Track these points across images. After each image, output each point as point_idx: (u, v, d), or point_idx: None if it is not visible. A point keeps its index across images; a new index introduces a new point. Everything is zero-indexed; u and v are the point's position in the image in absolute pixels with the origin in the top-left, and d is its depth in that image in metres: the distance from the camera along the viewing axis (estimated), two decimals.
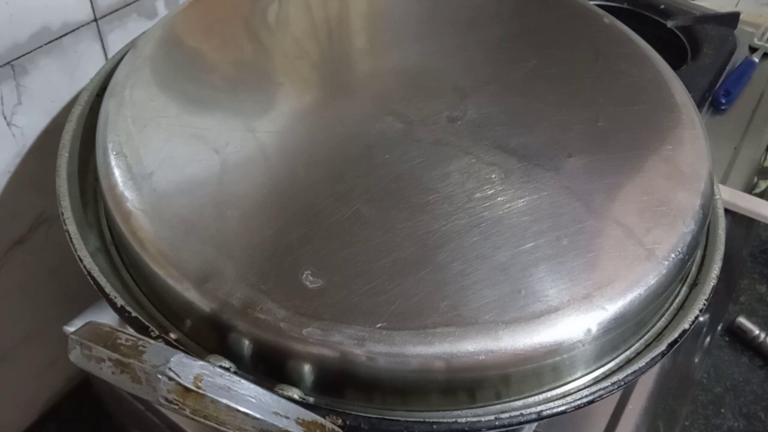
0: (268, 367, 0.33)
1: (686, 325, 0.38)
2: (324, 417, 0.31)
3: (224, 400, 0.27)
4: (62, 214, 0.40)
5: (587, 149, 0.42)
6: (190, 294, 0.33)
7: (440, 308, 0.33)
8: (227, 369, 0.29)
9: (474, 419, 0.33)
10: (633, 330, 0.37)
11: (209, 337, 0.34)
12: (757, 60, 0.80)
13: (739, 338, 0.93)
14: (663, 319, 0.40)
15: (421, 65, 0.48)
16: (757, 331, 0.92)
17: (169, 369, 0.26)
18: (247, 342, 0.33)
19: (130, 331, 0.29)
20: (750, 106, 0.76)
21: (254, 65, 0.47)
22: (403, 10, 0.54)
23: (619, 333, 0.36)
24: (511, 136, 0.42)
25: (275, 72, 0.46)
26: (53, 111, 0.54)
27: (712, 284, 0.41)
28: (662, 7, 0.81)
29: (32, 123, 0.52)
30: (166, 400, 0.26)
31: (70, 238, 0.38)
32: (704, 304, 0.39)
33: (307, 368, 0.33)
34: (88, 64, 0.54)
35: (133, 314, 0.35)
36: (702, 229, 0.40)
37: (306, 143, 0.41)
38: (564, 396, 0.35)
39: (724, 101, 0.74)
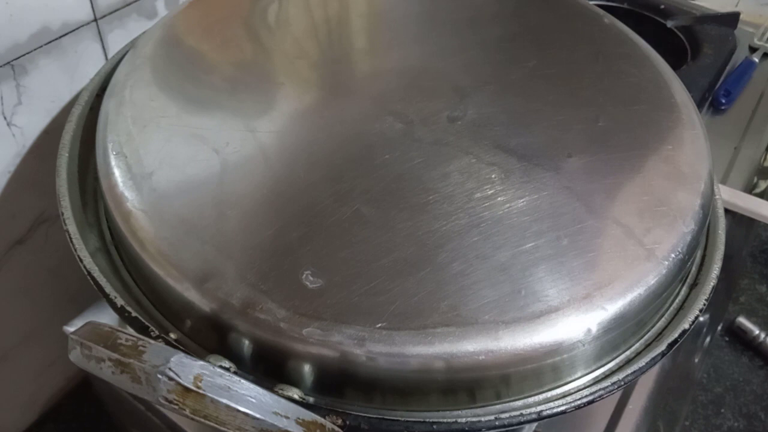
0: (268, 367, 0.33)
1: (686, 325, 0.38)
2: (324, 417, 0.31)
3: (224, 400, 0.27)
4: (62, 214, 0.40)
5: (587, 149, 0.42)
6: (190, 294, 0.33)
7: (440, 308, 0.33)
8: (227, 369, 0.29)
9: (474, 419, 0.33)
10: (633, 330, 0.37)
11: (209, 337, 0.34)
12: (757, 60, 0.80)
13: (739, 338, 0.93)
14: (663, 319, 0.40)
15: (421, 65, 0.48)
16: (757, 331, 0.92)
17: (169, 369, 0.26)
18: (247, 342, 0.33)
19: (130, 331, 0.29)
20: (750, 106, 0.76)
21: (254, 65, 0.47)
22: (403, 10, 0.54)
23: (619, 333, 0.36)
24: (511, 136, 0.42)
25: (275, 72, 0.46)
26: (53, 111, 0.54)
27: (712, 284, 0.41)
28: (662, 7, 0.81)
29: (32, 123, 0.52)
30: (166, 400, 0.26)
31: (70, 238, 0.38)
32: (704, 304, 0.39)
33: (307, 368, 0.33)
34: (88, 64, 0.54)
35: (133, 314, 0.35)
36: (702, 229, 0.40)
37: (306, 143, 0.41)
38: (564, 396, 0.35)
39: (724, 101, 0.74)
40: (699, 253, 0.43)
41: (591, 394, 0.35)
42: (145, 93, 0.43)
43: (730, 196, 0.63)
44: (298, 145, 0.41)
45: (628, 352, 0.38)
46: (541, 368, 0.34)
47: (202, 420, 0.27)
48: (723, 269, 0.42)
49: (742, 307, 0.98)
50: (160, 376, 0.26)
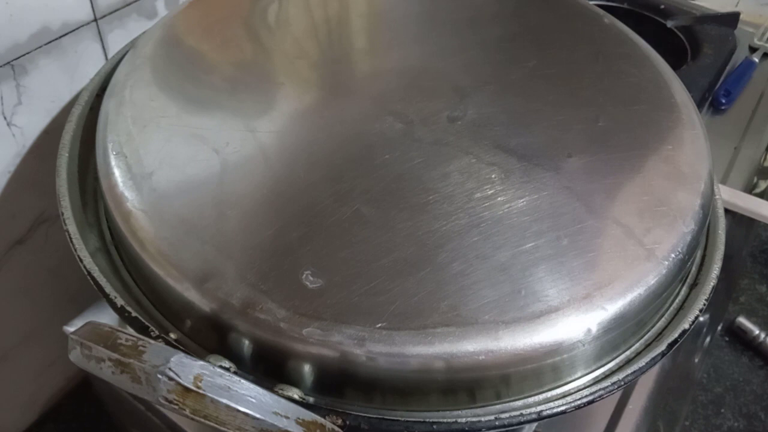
0: (268, 367, 0.33)
1: (686, 325, 0.38)
2: (324, 417, 0.31)
3: (224, 400, 0.27)
4: (62, 214, 0.40)
5: (587, 149, 0.42)
6: (190, 294, 0.33)
7: (440, 308, 0.33)
8: (227, 369, 0.29)
9: (474, 419, 0.33)
10: (633, 330, 0.37)
11: (209, 337, 0.34)
12: (757, 60, 0.80)
13: (739, 338, 0.93)
14: (663, 319, 0.40)
15: (421, 65, 0.48)
16: (757, 331, 0.92)
17: (169, 369, 0.26)
18: (247, 342, 0.33)
19: (130, 331, 0.29)
20: (750, 106, 0.76)
21: (254, 65, 0.47)
22: (403, 10, 0.54)
23: (619, 333, 0.36)
24: (511, 136, 0.42)
25: (275, 72, 0.46)
26: (53, 111, 0.54)
27: (712, 284, 0.41)
28: (662, 7, 0.81)
29: (32, 123, 0.52)
30: (166, 400, 0.26)
31: (70, 238, 0.38)
32: (704, 304, 0.39)
33: (307, 368, 0.33)
34: (88, 64, 0.54)
35: (133, 314, 0.35)
36: (702, 229, 0.40)
37: (306, 143, 0.41)
38: (564, 396, 0.35)
39: (724, 101, 0.74)
40: (699, 253, 0.43)
41: (591, 394, 0.35)
42: (145, 93, 0.43)
43: (730, 196, 0.63)
44: (298, 145, 0.41)
45: (628, 352, 0.38)
46: (541, 368, 0.34)
47: (202, 420, 0.27)
48: (723, 269, 0.42)
49: (742, 307, 0.98)
50: (160, 376, 0.26)
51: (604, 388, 0.35)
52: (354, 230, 0.36)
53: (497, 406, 0.34)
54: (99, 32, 0.54)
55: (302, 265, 0.34)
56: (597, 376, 0.36)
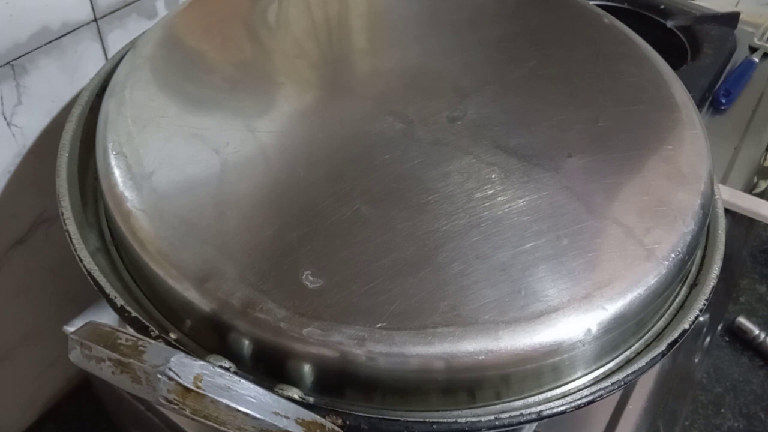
0: (268, 367, 0.33)
1: (686, 325, 0.38)
2: (324, 417, 0.31)
3: (224, 400, 0.27)
4: (62, 214, 0.40)
5: (587, 149, 0.42)
6: (190, 294, 0.33)
7: (440, 308, 0.33)
8: (227, 369, 0.29)
9: (474, 419, 0.33)
10: (633, 330, 0.37)
11: (209, 337, 0.34)
12: (757, 60, 0.80)
13: (739, 338, 0.93)
14: (663, 319, 0.40)
15: (421, 65, 0.48)
16: (757, 331, 0.92)
17: (169, 369, 0.26)
18: (247, 342, 0.33)
19: (130, 331, 0.29)
20: (750, 106, 0.76)
21: (254, 65, 0.47)
22: (403, 10, 0.54)
23: (619, 333, 0.36)
24: (511, 136, 0.42)
25: (275, 72, 0.46)
26: (53, 111, 0.54)
27: (712, 284, 0.41)
28: (662, 7, 0.81)
29: (32, 123, 0.52)
30: (166, 400, 0.26)
31: (70, 238, 0.38)
32: (704, 304, 0.39)
33: (307, 368, 0.33)
34: (88, 64, 0.54)
35: (133, 314, 0.35)
36: (702, 229, 0.40)
37: (306, 143, 0.41)
38: (564, 396, 0.35)
39: (724, 101, 0.74)
40: (699, 253, 0.43)
41: (591, 394, 0.35)
42: (145, 93, 0.43)
43: (730, 196, 0.63)
44: (298, 145, 0.41)
45: (628, 352, 0.38)
46: (541, 368, 0.34)
47: (202, 420, 0.27)
48: (723, 269, 0.42)
49: (742, 307, 0.97)
50: (160, 376, 0.26)
51: (604, 388, 0.35)
52: (354, 230, 0.36)
53: (497, 406, 0.34)
54: (99, 32, 0.54)
55: (302, 265, 0.34)
56: (597, 376, 0.36)
